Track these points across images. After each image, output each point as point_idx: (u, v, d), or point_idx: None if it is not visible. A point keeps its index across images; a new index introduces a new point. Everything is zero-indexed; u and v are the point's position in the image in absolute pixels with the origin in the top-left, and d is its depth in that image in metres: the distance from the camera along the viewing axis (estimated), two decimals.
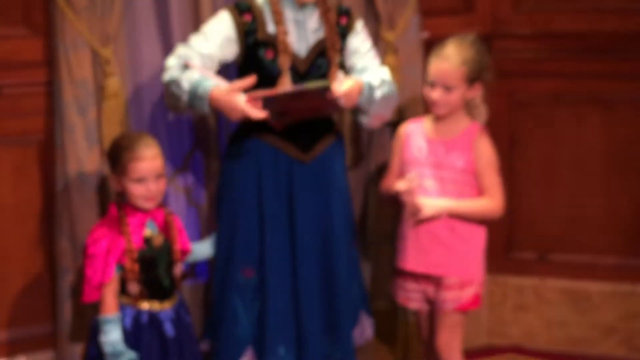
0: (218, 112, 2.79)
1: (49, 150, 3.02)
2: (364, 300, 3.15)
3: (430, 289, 2.93)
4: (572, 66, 3.53)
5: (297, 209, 2.92)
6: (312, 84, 2.71)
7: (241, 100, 2.69)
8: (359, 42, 2.97)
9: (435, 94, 2.86)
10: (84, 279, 2.72)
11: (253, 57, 2.85)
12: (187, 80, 2.74)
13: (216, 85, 2.73)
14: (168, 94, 2.81)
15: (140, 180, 2.71)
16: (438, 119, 2.93)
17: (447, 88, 2.84)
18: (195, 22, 3.08)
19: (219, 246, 3.00)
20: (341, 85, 2.76)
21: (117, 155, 2.73)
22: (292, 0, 2.82)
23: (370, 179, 3.34)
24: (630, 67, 3.47)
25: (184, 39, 3.07)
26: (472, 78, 2.86)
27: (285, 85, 2.80)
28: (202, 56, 2.80)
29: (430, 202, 2.85)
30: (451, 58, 2.83)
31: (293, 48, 2.84)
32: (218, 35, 2.82)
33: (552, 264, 3.68)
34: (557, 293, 3.66)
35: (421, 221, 2.87)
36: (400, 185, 2.87)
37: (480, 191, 2.90)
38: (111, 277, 2.70)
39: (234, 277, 2.95)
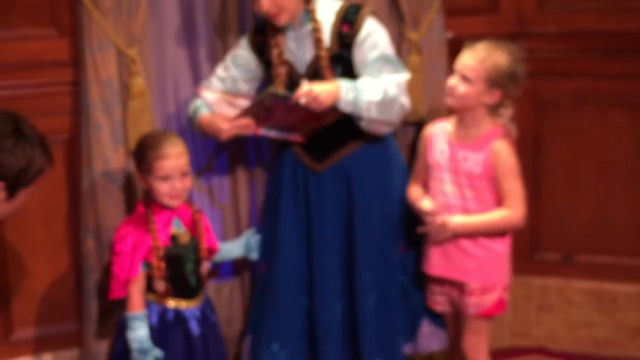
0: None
1: (75, 150, 3.04)
2: (421, 311, 3.09)
3: (454, 293, 2.93)
4: (598, 66, 3.50)
5: (312, 218, 2.96)
6: (263, 94, 2.78)
7: (221, 122, 2.83)
8: (364, 52, 2.83)
9: (452, 81, 2.83)
10: (111, 276, 2.75)
11: (267, 75, 2.96)
12: (192, 107, 2.97)
13: (205, 113, 2.90)
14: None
15: (166, 178, 2.73)
16: (460, 121, 2.88)
17: (465, 79, 2.80)
18: (221, 23, 3.10)
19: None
20: (300, 89, 2.71)
21: (143, 154, 2.75)
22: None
23: None
24: None
25: (209, 39, 3.11)
26: (493, 81, 2.79)
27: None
28: (222, 79, 2.98)
29: (448, 224, 2.82)
30: (479, 51, 2.80)
31: (294, 65, 2.89)
32: (237, 59, 2.97)
33: (577, 265, 3.66)
34: (582, 294, 3.64)
35: (440, 241, 2.86)
36: (424, 205, 2.86)
37: (500, 197, 2.85)
38: (137, 274, 2.72)
39: (255, 269, 3.11)
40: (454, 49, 3.06)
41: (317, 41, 2.83)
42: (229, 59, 2.98)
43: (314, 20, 2.83)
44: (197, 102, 2.96)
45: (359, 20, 2.82)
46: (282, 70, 2.89)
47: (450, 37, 3.34)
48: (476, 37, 2.89)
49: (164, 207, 2.78)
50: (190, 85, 3.16)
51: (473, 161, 2.83)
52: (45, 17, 2.98)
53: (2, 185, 2.37)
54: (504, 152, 2.83)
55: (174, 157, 2.74)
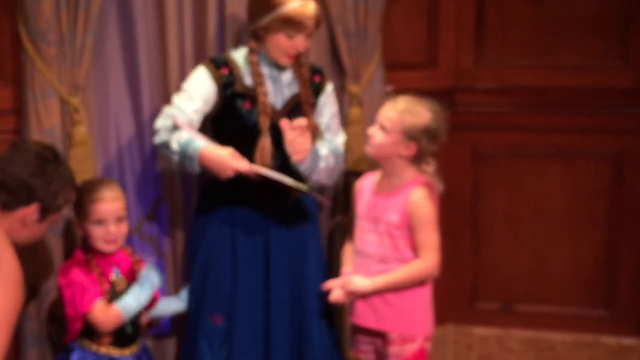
0: (207, 170, 2.83)
1: None
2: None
3: (379, 343, 2.92)
4: (533, 120, 3.62)
5: (272, 256, 2.96)
6: (296, 184, 2.82)
7: (230, 158, 2.77)
8: (327, 103, 3.07)
9: (371, 130, 2.88)
10: (65, 312, 2.72)
11: (230, 108, 2.92)
12: (176, 141, 2.82)
13: (205, 145, 2.80)
14: (161, 155, 2.89)
15: (100, 221, 2.74)
16: (384, 172, 2.91)
17: (382, 128, 2.84)
18: (164, 74, 3.14)
19: (190, 292, 3.03)
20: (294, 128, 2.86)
21: (79, 198, 2.75)
22: (267, 59, 2.93)
23: (334, 228, 3.38)
24: (589, 121, 3.57)
25: (152, 89, 3.14)
26: (408, 134, 2.80)
27: (266, 143, 2.90)
28: (187, 114, 2.87)
29: (355, 285, 2.83)
30: (398, 104, 2.84)
31: (270, 102, 2.93)
32: (200, 90, 2.89)
33: (516, 315, 3.72)
34: (521, 343, 3.69)
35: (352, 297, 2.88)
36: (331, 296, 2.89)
37: (414, 247, 2.84)
38: (92, 306, 2.70)
39: (203, 323, 2.97)
40: None
41: (305, 81, 2.99)
42: (192, 94, 2.89)
43: (302, 63, 3.00)
44: (185, 135, 2.81)
45: (326, 76, 3.09)
46: (267, 103, 2.91)
47: (390, 91, 3.43)
48: (414, 91, 2.92)
49: (102, 255, 2.78)
50: (132, 133, 3.18)
51: (391, 210, 2.85)
52: None
53: (38, 205, 2.51)
54: (420, 201, 2.82)
55: (109, 200, 2.75)
